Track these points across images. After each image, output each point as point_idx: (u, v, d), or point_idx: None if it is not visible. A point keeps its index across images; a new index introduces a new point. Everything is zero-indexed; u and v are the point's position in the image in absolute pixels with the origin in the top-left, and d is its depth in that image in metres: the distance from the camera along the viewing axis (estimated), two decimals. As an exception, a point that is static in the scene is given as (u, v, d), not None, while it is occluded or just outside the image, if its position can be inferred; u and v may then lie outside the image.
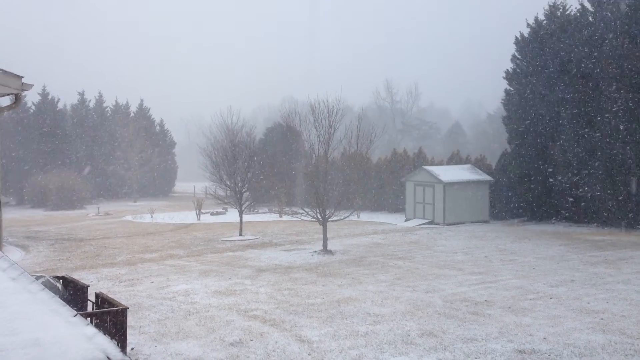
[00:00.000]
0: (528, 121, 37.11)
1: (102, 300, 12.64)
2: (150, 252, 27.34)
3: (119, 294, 17.55)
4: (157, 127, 74.08)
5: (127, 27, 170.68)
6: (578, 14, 36.03)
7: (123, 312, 11.69)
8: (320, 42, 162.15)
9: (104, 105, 71.30)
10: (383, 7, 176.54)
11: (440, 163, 43.44)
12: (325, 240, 26.17)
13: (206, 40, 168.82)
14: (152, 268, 23.05)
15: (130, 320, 13.73)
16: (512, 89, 38.81)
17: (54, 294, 5.67)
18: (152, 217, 44.04)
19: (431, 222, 36.38)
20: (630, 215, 32.18)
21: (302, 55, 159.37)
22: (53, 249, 28.80)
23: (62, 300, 6.26)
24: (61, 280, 13.92)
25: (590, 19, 35.13)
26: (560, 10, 37.26)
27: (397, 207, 43.08)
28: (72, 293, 13.56)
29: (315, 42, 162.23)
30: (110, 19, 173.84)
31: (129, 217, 45.30)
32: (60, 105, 66.78)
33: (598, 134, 33.28)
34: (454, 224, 35.69)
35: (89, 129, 67.53)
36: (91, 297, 13.42)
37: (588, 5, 35.56)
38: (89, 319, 10.62)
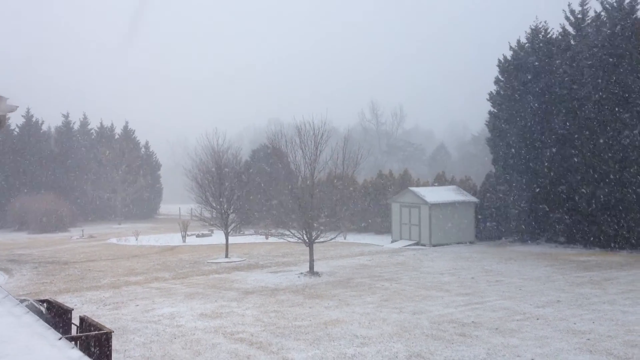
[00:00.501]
0: (512, 143, 37.44)
1: (86, 324, 12.46)
2: (135, 274, 27.08)
3: (103, 318, 17.33)
4: (142, 149, 73.83)
5: (112, 50, 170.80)
6: (560, 37, 36.58)
7: (108, 335, 11.52)
8: (306, 64, 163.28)
9: (89, 127, 71.09)
10: (369, 30, 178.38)
11: (426, 184, 43.63)
12: (311, 261, 26.08)
13: (193, 63, 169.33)
14: (137, 291, 22.82)
15: (115, 344, 13.54)
16: (495, 110, 39.20)
17: (38, 317, 5.59)
18: (137, 239, 43.68)
19: (417, 243, 36.41)
20: (614, 236, 32.42)
21: (289, 78, 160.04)
22: (37, 272, 28.44)
23: (46, 323, 6.17)
24: (45, 304, 13.72)
25: (572, 41, 35.66)
26: (542, 33, 37.82)
27: (383, 228, 43.10)
28: (56, 316, 13.37)
29: (302, 64, 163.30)
30: (95, 41, 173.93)
31: (113, 240, 44.91)
32: (44, 127, 66.44)
33: (582, 155, 33.59)
34: (440, 245, 35.75)
35: (74, 151, 67.18)
36: (75, 320, 13.24)
37: (570, 29, 36.14)
38: (73, 342, 10.46)
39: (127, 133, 72.43)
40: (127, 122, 72.81)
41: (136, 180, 67.21)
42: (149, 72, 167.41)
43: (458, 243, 36.58)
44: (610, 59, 32.65)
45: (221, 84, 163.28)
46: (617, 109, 32.28)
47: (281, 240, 29.16)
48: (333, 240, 27.58)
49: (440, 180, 43.43)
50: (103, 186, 65.31)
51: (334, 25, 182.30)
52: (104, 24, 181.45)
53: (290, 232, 26.43)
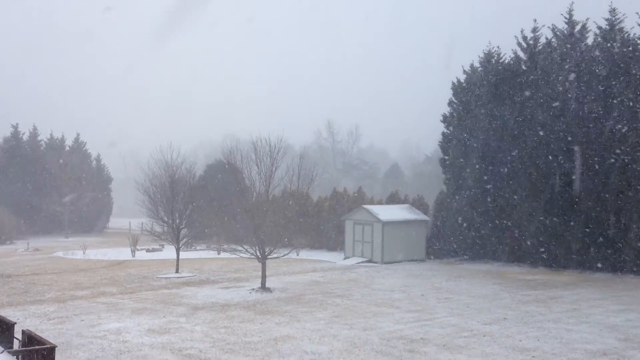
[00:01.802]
0: (464, 163, 38.17)
1: (29, 338, 12.15)
2: (81, 289, 26.46)
3: (47, 332, 16.89)
4: (94, 162, 72.48)
5: (65, 61, 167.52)
6: (512, 62, 37.58)
7: (51, 350, 11.27)
8: (263, 81, 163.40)
9: (39, 138, 69.44)
10: (326, 50, 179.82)
11: (380, 202, 44.00)
12: (263, 277, 25.96)
13: (147, 77, 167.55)
14: (82, 305, 22.29)
15: (59, 359, 13.21)
16: (448, 131, 39.93)
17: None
18: (84, 253, 42.73)
19: (370, 261, 36.62)
20: (559, 256, 33.27)
21: (246, 94, 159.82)
22: (-22, 286, 27.52)
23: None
24: (-15, 317, 13.31)
25: (523, 67, 36.68)
26: (495, 58, 38.80)
27: (336, 245, 43.22)
28: (-3, 330, 12.99)
29: (258, 81, 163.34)
30: (47, 51, 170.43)
31: (59, 253, 43.82)
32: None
33: (530, 177, 34.45)
34: (391, 262, 36.03)
35: (22, 163, 65.44)
36: (18, 334, 12.88)
37: (521, 54, 37.18)
38: (15, 356, 10.20)
39: (78, 145, 71.07)
40: (78, 134, 71.53)
41: (86, 194, 65.85)
42: (101, 85, 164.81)
43: (409, 261, 36.95)
44: (560, 87, 33.71)
45: (176, 99, 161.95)
46: (565, 135, 33.27)
47: (234, 256, 28.93)
48: (286, 257, 27.52)
49: (394, 198, 43.88)
50: (51, 199, 63.75)
51: (291, 44, 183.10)
52: (56, 32, 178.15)
53: (243, 248, 26.28)
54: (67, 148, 70.42)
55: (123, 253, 43.02)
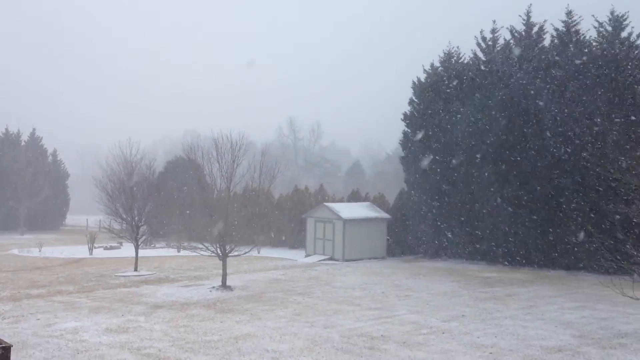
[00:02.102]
0: (423, 162, 38.58)
1: (-19, 338, 11.83)
2: (37, 287, 25.89)
3: (2, 332, 16.49)
4: (50, 158, 70.97)
5: (18, 55, 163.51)
6: (471, 63, 38.14)
7: (6, 350, 11.01)
8: (225, 76, 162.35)
9: (-7, 133, 67.69)
10: (288, 47, 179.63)
11: (341, 200, 44.17)
12: (224, 275, 25.81)
13: (107, 70, 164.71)
14: (38, 304, 21.82)
15: (14, 358, 12.90)
16: (409, 130, 40.30)
17: None
18: (40, 251, 41.84)
19: (331, 258, 36.75)
20: (516, 253, 33.94)
21: (207, 90, 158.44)
22: None
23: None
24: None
25: (482, 67, 37.25)
26: (455, 57, 39.32)
27: (297, 243, 43.24)
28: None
29: (220, 77, 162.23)
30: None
31: (14, 251, 42.79)
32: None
33: (487, 176, 35.02)
34: (352, 260, 36.22)
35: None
36: (-31, 335, 12.54)
37: (481, 55, 37.75)
38: (-34, 358, 9.93)
39: (34, 140, 69.52)
40: (34, 129, 69.94)
41: (42, 190, 64.43)
42: (58, 78, 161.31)
43: (370, 258, 37.19)
44: (519, 88, 34.32)
45: (135, 94, 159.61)
46: (521, 135, 33.90)
47: (194, 254, 28.68)
48: (247, 254, 27.39)
49: (355, 196, 44.11)
50: (5, 195, 62.18)
51: (253, 41, 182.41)
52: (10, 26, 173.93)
53: (204, 246, 26.07)
54: (23, 143, 68.80)
55: (80, 251, 42.25)
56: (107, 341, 16.22)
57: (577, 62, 32.50)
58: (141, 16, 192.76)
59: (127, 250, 39.90)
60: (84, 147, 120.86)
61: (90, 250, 41.08)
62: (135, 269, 31.18)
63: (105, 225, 36.57)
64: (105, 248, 43.41)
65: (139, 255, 32.59)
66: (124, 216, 31.99)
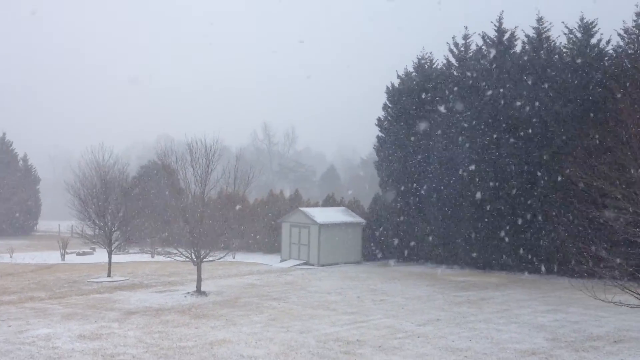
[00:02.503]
0: (397, 166, 38.80)
1: (-50, 347, 11.60)
2: (8, 294, 25.45)
3: (-30, 340, 16.19)
4: (21, 162, 69.87)
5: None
6: (444, 68, 38.48)
7: (-25, 358, 10.80)
8: (198, 81, 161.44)
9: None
10: (262, 51, 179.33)
11: (316, 205, 44.18)
12: (199, 281, 25.64)
13: (75, 73, 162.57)
14: (9, 311, 21.44)
15: (-17, 368, 12.68)
16: (383, 135, 40.50)
17: None
18: (11, 256, 41.13)
19: (306, 263, 36.72)
20: (489, 258, 34.27)
21: (180, 95, 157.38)
22: None
23: None
24: None
25: (455, 72, 37.60)
26: (428, 63, 39.63)
27: (273, 247, 43.13)
28: None
29: (193, 81, 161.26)
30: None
31: (-16, 257, 42.02)
32: None
33: (459, 181, 35.33)
34: (328, 264, 36.23)
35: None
36: (-62, 343, 12.29)
37: (453, 60, 38.11)
38: None
39: (4, 145, 68.37)
40: (4, 134, 68.81)
41: (12, 195, 63.38)
42: (28, 81, 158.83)
43: (346, 263, 37.25)
44: (489, 91, 34.75)
45: (107, 98, 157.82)
46: (496, 138, 34.30)
47: (168, 259, 28.43)
48: (222, 260, 27.27)
49: (330, 201, 44.16)
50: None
51: (226, 45, 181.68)
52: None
53: (178, 251, 25.89)
54: (-7, 148, 67.66)
55: (52, 256, 41.65)
56: (80, 348, 16.01)
57: (548, 69, 32.98)
58: (114, 17, 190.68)
59: (100, 255, 39.43)
60: (55, 151, 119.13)
61: (63, 256, 40.51)
62: (109, 275, 30.82)
63: (77, 231, 36.08)
64: (78, 254, 42.83)
65: (113, 260, 32.22)
66: (97, 221, 31.60)
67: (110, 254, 31.84)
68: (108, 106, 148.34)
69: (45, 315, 20.76)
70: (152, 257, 40.78)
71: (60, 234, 56.12)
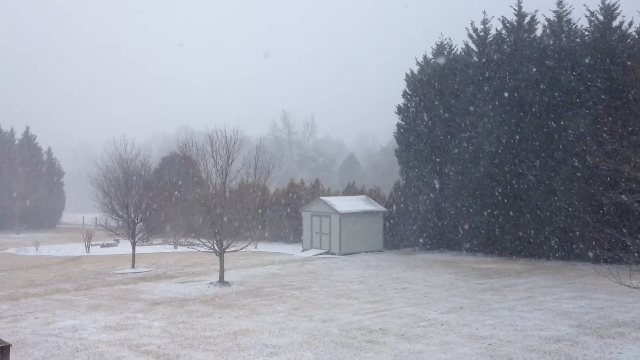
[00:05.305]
0: (418, 154, 38.63)
1: (-20, 339, 11.83)
2: (35, 286, 25.86)
3: (0, 331, 16.46)
4: (45, 156, 70.78)
5: (12, 53, 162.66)
6: (464, 54, 38.13)
7: (5, 349, 11.00)
8: (217, 72, 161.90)
9: (-14, 132, 67.47)
10: (280, 40, 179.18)
11: (337, 194, 44.20)
12: (222, 271, 25.82)
13: (99, 69, 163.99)
14: (36, 303, 21.80)
15: (13, 358, 12.91)
16: (403, 123, 40.31)
17: None
18: (37, 249, 41.78)
19: (328, 252, 36.80)
20: (512, 244, 34.04)
21: (201, 86, 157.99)
22: None
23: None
24: None
25: (474, 58, 37.23)
26: (447, 49, 39.30)
27: (294, 237, 43.29)
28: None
29: (212, 73, 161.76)
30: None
31: (12, 250, 42.75)
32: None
33: (483, 167, 35.09)
34: (349, 253, 36.27)
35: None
36: (-32, 335, 12.53)
37: (472, 46, 37.73)
38: (-35, 358, 9.93)
39: (28, 139, 69.29)
40: (28, 128, 69.75)
41: (37, 188, 64.26)
42: (51, 76, 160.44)
43: (367, 252, 37.25)
44: (509, 78, 34.36)
45: (129, 91, 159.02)
46: (517, 124, 33.96)
47: (191, 250, 28.67)
48: (244, 250, 27.41)
49: (351, 190, 44.14)
50: (1, 194, 61.97)
51: (245, 35, 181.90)
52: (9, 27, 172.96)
53: (201, 242, 26.08)
54: (17, 142, 68.57)
55: (77, 249, 42.23)
56: (106, 339, 16.22)
57: (570, 52, 32.50)
58: (133, 13, 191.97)
59: (124, 247, 39.88)
60: (78, 144, 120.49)
61: (87, 248, 41.06)
62: (133, 266, 31.17)
63: (101, 223, 36.56)
64: (102, 245, 43.37)
65: (136, 252, 32.58)
66: (120, 213, 31.94)
67: (133, 245, 32.18)
68: (130, 99, 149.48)
69: (71, 306, 21.06)
70: (175, 248, 41.13)
71: (84, 227, 56.83)
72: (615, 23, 32.21)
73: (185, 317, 18.91)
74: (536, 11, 35.26)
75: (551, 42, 33.72)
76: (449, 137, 37.28)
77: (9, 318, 19.13)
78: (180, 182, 43.78)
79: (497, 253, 34.73)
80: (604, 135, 22.71)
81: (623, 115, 25.62)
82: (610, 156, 16.70)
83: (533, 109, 33.39)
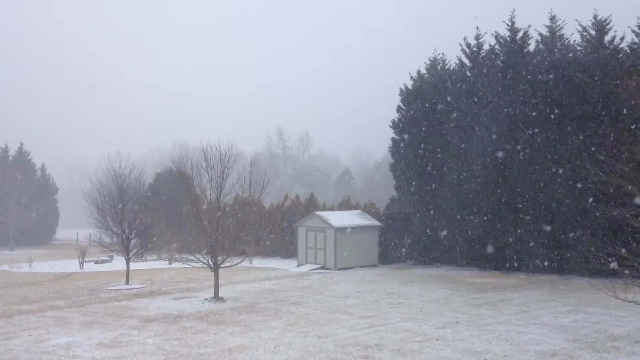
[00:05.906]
0: (412, 168, 38.70)
1: (-27, 357, 11.71)
2: (28, 303, 25.68)
3: (-8, 350, 16.32)
4: (38, 172, 70.59)
5: (8, 68, 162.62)
6: (457, 69, 38.34)
7: (-3, 368, 10.89)
8: (211, 87, 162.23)
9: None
10: (274, 54, 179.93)
11: (331, 209, 44.17)
12: (216, 287, 25.70)
13: (90, 83, 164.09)
14: (30, 320, 21.63)
15: (5, 377, 12.79)
16: (397, 137, 40.42)
17: None
18: (30, 266, 41.52)
19: (323, 267, 36.70)
20: (507, 259, 34.04)
21: (194, 101, 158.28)
22: None
23: None
24: None
25: (467, 73, 37.43)
26: (441, 64, 39.53)
27: (289, 252, 43.17)
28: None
29: (207, 87, 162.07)
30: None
31: (4, 267, 42.45)
32: None
33: (478, 181, 35.16)
34: (344, 268, 36.18)
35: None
36: (-40, 353, 12.41)
37: (466, 61, 37.95)
38: (-43, 377, 9.81)
39: (22, 155, 69.14)
40: (22, 144, 69.60)
41: (31, 205, 64.02)
42: (44, 91, 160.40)
43: (362, 266, 37.17)
44: (503, 92, 34.53)
45: (122, 106, 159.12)
46: (512, 139, 34.09)
47: (185, 266, 28.55)
48: (239, 265, 27.32)
49: (346, 204, 44.14)
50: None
51: (240, 50, 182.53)
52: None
53: (195, 257, 25.97)
54: (11, 158, 68.41)
55: (71, 265, 41.98)
56: (99, 356, 16.09)
57: (563, 67, 32.73)
58: (124, 29, 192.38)
59: (118, 263, 39.69)
60: (72, 160, 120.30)
61: (81, 264, 40.83)
62: (127, 282, 31.01)
63: (95, 239, 36.39)
64: (96, 262, 43.15)
65: (130, 268, 32.42)
66: (115, 229, 31.82)
67: (128, 261, 32.04)
68: (124, 114, 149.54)
69: (65, 323, 20.91)
70: (170, 264, 40.96)
71: (78, 243, 56.58)
72: (607, 38, 32.50)
73: (179, 334, 18.79)
74: (529, 26, 35.60)
75: (544, 56, 33.97)
76: (443, 151, 37.37)
77: (2, 335, 18.97)
78: (174, 198, 43.71)
79: (492, 267, 34.70)
80: (598, 149, 22.81)
81: (617, 130, 25.75)
82: (604, 170, 16.77)
83: (527, 123, 33.53)
